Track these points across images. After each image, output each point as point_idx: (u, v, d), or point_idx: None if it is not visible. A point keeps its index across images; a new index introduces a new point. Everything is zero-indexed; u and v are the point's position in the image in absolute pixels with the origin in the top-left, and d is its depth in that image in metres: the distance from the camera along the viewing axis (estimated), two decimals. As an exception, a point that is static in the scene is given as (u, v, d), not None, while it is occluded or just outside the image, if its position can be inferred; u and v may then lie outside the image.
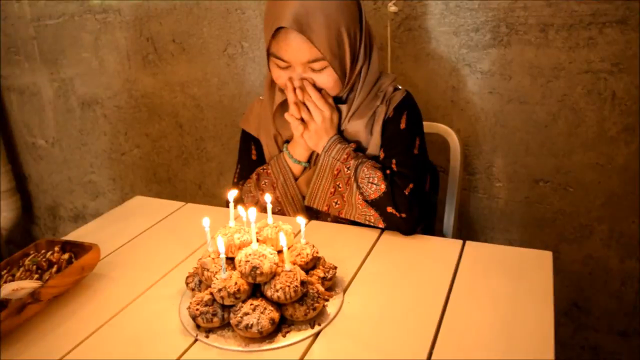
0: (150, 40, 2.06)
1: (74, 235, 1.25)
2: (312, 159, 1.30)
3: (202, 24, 1.95)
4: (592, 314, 1.76)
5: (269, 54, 1.21)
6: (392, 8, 1.60)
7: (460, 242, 1.12)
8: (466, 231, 1.82)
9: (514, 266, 1.02)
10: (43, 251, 1.09)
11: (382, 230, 1.19)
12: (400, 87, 1.29)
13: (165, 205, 1.40)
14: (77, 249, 1.08)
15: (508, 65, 1.60)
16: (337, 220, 1.27)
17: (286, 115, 1.24)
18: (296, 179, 1.29)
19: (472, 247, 1.10)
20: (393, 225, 1.17)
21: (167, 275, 1.08)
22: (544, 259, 1.03)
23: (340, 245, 1.13)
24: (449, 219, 1.55)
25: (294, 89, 1.21)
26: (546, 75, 1.57)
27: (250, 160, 1.38)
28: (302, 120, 1.23)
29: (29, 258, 1.05)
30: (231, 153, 2.10)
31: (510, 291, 0.95)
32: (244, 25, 1.89)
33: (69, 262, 1.05)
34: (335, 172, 1.22)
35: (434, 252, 1.11)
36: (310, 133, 1.23)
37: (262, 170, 1.32)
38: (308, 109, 1.22)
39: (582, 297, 1.75)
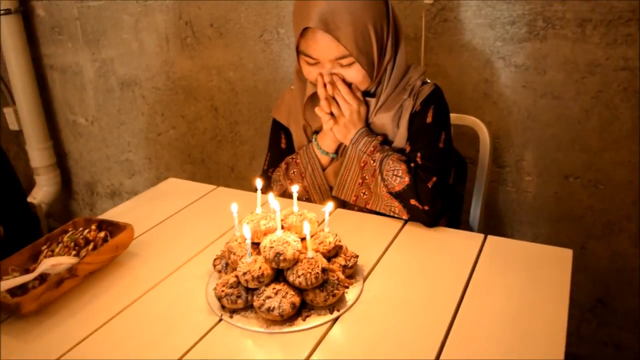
0: (188, 23, 2.10)
1: (110, 214, 1.31)
2: (339, 150, 1.33)
3: (239, 9, 1.98)
4: (616, 311, 1.75)
5: (299, 52, 1.25)
6: (428, 0, 1.60)
7: (481, 236, 1.13)
8: (494, 223, 1.83)
9: (533, 263, 1.04)
10: (81, 229, 1.15)
11: (406, 221, 1.21)
12: (428, 81, 1.30)
13: (198, 187, 1.45)
14: (113, 228, 1.14)
15: (543, 60, 1.59)
16: (362, 210, 1.30)
17: (317, 110, 1.27)
18: (324, 169, 1.32)
19: (493, 241, 1.12)
20: (416, 217, 1.19)
21: (196, 257, 1.12)
22: (563, 256, 1.04)
23: (363, 234, 1.16)
24: (475, 211, 1.56)
25: (324, 85, 1.23)
26: (581, 71, 1.56)
27: (280, 149, 1.42)
28: (331, 114, 1.26)
29: (68, 235, 1.11)
30: (264, 137, 2.12)
31: (527, 287, 0.97)
32: (281, 12, 1.91)
33: (105, 240, 1.11)
34: (362, 164, 1.25)
35: (455, 245, 1.13)
36: (339, 127, 1.26)
37: (291, 160, 1.36)
38: (338, 104, 1.25)
39: (608, 294, 1.74)
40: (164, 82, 2.27)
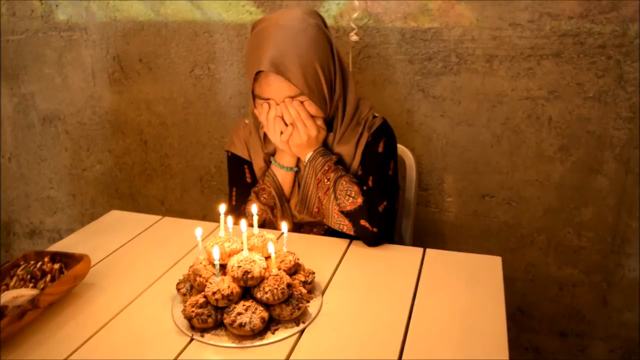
0: (116, 58, 2.11)
1: (56, 247, 1.30)
2: (300, 163, 1.39)
3: (169, 45, 2.02)
4: (534, 317, 1.93)
5: (254, 96, 1.31)
6: (354, 37, 1.73)
7: (421, 249, 1.25)
8: (420, 243, 1.95)
9: (469, 270, 1.17)
10: (32, 262, 1.14)
11: (350, 241, 1.31)
12: (377, 115, 1.41)
13: (143, 218, 1.46)
14: (67, 259, 1.14)
15: (457, 91, 1.77)
16: (316, 226, 1.38)
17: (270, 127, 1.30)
18: (288, 200, 1.40)
19: (432, 253, 1.24)
20: (363, 236, 1.29)
21: (155, 283, 1.15)
22: (494, 263, 1.19)
23: (315, 255, 1.23)
24: (405, 232, 1.68)
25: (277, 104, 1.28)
26: (491, 101, 1.74)
27: (245, 183, 1.45)
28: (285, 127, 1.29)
29: (21, 268, 1.10)
30: (195, 170, 2.17)
31: (468, 291, 1.09)
32: (212, 48, 1.98)
33: (61, 271, 1.11)
34: (317, 182, 1.33)
35: (399, 258, 1.24)
36: (294, 142, 1.30)
37: (257, 189, 1.41)
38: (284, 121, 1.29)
39: (525, 302, 1.92)
40: (89, 117, 2.25)
